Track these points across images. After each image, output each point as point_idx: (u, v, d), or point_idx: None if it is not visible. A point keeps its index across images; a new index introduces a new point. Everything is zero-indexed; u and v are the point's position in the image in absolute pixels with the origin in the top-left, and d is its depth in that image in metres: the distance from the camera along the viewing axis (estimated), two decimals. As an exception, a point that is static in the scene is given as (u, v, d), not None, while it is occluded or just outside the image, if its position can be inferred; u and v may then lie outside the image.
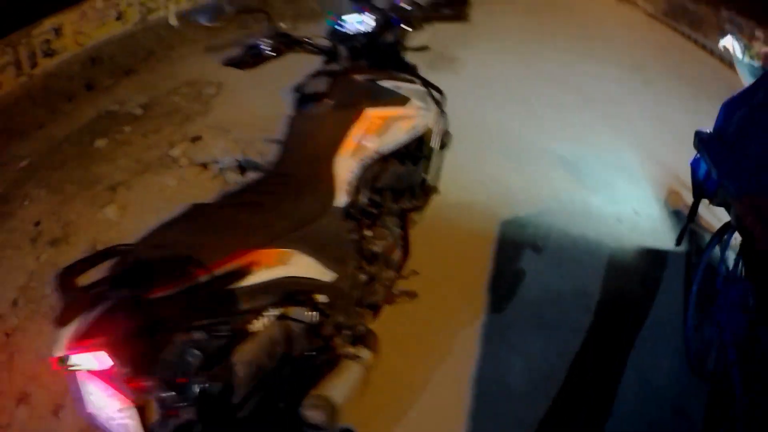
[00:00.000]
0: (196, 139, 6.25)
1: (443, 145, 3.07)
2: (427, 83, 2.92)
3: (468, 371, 3.25)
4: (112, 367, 1.57)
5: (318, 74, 2.76)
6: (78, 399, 1.80)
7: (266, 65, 2.90)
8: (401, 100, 2.69)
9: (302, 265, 2.09)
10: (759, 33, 6.97)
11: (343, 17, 2.94)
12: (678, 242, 4.19)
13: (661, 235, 4.39)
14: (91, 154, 6.23)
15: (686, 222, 4.00)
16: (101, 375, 1.64)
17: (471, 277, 3.96)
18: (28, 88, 7.47)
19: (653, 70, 7.83)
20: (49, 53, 7.90)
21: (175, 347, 1.82)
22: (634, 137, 5.92)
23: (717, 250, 3.26)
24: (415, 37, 3.00)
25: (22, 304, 4.24)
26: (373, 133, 2.52)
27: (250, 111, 6.84)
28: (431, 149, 2.98)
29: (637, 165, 5.40)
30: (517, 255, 4.14)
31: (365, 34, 2.85)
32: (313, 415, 2.07)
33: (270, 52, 2.79)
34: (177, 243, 1.91)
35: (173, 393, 1.77)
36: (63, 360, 1.61)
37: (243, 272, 1.87)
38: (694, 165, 3.46)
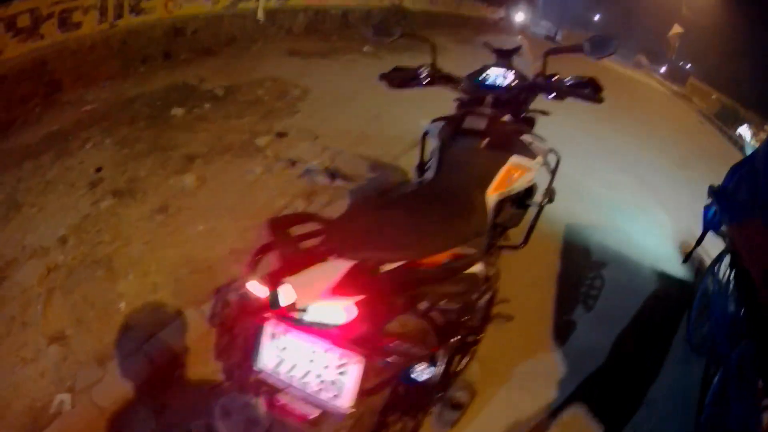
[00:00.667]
0: (282, 135, 5.92)
1: (550, 200, 3.16)
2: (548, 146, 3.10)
3: (520, 399, 3.31)
4: (353, 321, 1.70)
5: (471, 113, 2.90)
6: (252, 354, 1.85)
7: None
8: (532, 155, 2.87)
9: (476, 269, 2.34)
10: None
11: (488, 70, 3.17)
12: (684, 260, 5.50)
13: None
14: (166, 119, 5.92)
15: (694, 246, 5.23)
16: (325, 332, 1.73)
17: (534, 318, 4.10)
18: (106, 38, 7.21)
19: (697, 171, 8.61)
20: (137, 11, 7.70)
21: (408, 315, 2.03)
22: (667, 210, 6.89)
23: (717, 269, 4.28)
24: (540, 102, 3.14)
25: (73, 244, 3.89)
26: (510, 177, 2.70)
27: (339, 124, 6.62)
28: (542, 202, 3.16)
29: (665, 225, 6.43)
30: (571, 310, 4.36)
31: (504, 89, 3.04)
32: (461, 395, 2.47)
33: (424, 80, 3.11)
34: (392, 224, 2.03)
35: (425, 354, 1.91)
36: (297, 306, 1.64)
37: (465, 264, 2.18)
38: (705, 209, 4.73)
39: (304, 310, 1.67)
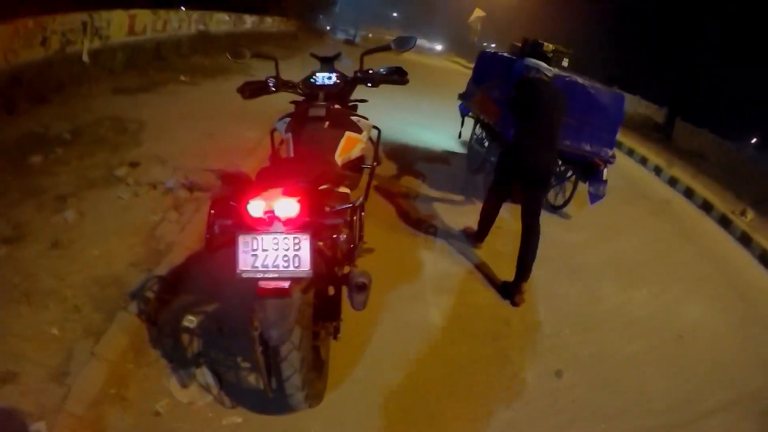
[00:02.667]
0: (134, 164, 6.37)
1: (378, 163, 4.25)
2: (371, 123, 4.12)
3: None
4: (299, 213, 2.60)
5: (312, 106, 3.78)
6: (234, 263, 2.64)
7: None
8: (359, 130, 3.83)
9: None
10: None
11: (317, 74, 4.05)
12: (459, 137, 9.67)
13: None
14: (26, 168, 6.07)
15: (460, 129, 9.43)
16: (285, 222, 2.61)
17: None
18: (-45, 96, 7.05)
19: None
20: (-21, 64, 7.59)
21: None
22: (445, 126, 11.53)
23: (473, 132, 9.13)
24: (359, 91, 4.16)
25: None
26: (348, 146, 3.63)
27: (180, 146, 7.26)
28: (373, 165, 4.20)
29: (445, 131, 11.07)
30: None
31: (332, 85, 3.98)
32: (363, 278, 2.96)
33: (272, 88, 3.88)
34: (291, 172, 3.01)
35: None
36: (270, 208, 2.57)
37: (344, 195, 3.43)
38: (460, 107, 9.06)
39: (271, 211, 2.53)
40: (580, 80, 6.84)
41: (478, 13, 29.88)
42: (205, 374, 3.54)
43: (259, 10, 24.13)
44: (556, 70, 5.73)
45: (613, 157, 7.12)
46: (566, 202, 7.74)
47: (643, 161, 13.38)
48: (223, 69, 13.92)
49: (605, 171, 6.99)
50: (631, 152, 14.20)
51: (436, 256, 5.72)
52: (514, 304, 5.14)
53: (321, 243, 2.91)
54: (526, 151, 5.20)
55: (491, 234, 6.13)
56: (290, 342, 2.76)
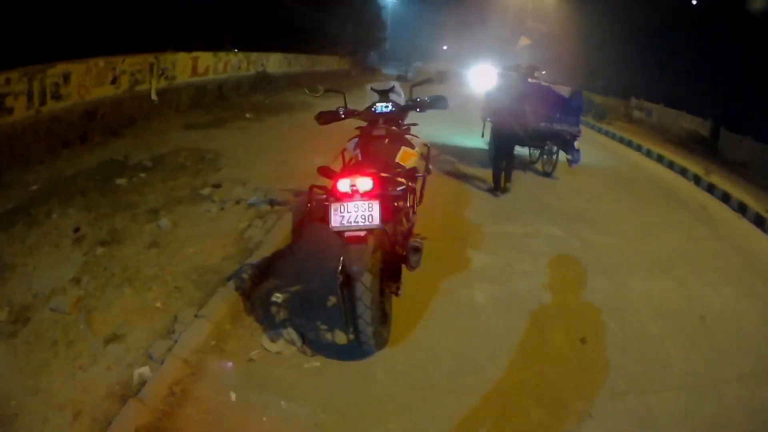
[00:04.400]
0: (217, 186, 7.32)
1: (429, 172, 5.07)
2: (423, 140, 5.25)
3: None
4: (373, 188, 3.81)
5: (375, 128, 4.86)
6: (328, 221, 3.81)
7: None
8: (412, 146, 4.84)
9: None
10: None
11: (377, 104, 5.07)
12: (482, 135, 11.18)
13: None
14: (113, 188, 7.04)
15: (483, 130, 11.16)
16: (365, 194, 3.80)
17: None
18: (34, 123, 8.21)
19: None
20: (57, 96, 8.75)
21: None
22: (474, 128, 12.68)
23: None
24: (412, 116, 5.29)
25: (88, 281, 4.79)
26: (404, 158, 4.59)
27: (257, 171, 8.29)
28: (424, 174, 5.04)
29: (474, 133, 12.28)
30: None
31: (388, 112, 5.02)
32: (418, 242, 4.15)
33: (342, 116, 4.99)
34: (369, 166, 4.17)
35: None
36: (356, 185, 3.81)
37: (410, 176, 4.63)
38: (483, 115, 11.02)
39: (355, 186, 3.76)
40: (546, 84, 11.09)
41: (524, 41, 30.59)
42: (290, 333, 4.44)
43: (312, 49, 26.29)
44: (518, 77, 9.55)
45: (580, 132, 10.79)
46: (553, 169, 10.88)
47: (683, 171, 13.48)
48: (283, 106, 15.37)
49: (576, 143, 10.65)
50: (671, 164, 14.32)
51: (479, 253, 6.53)
52: (503, 191, 9.04)
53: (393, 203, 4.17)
54: (505, 123, 8.87)
55: (526, 246, 7.03)
56: (363, 283, 3.74)
